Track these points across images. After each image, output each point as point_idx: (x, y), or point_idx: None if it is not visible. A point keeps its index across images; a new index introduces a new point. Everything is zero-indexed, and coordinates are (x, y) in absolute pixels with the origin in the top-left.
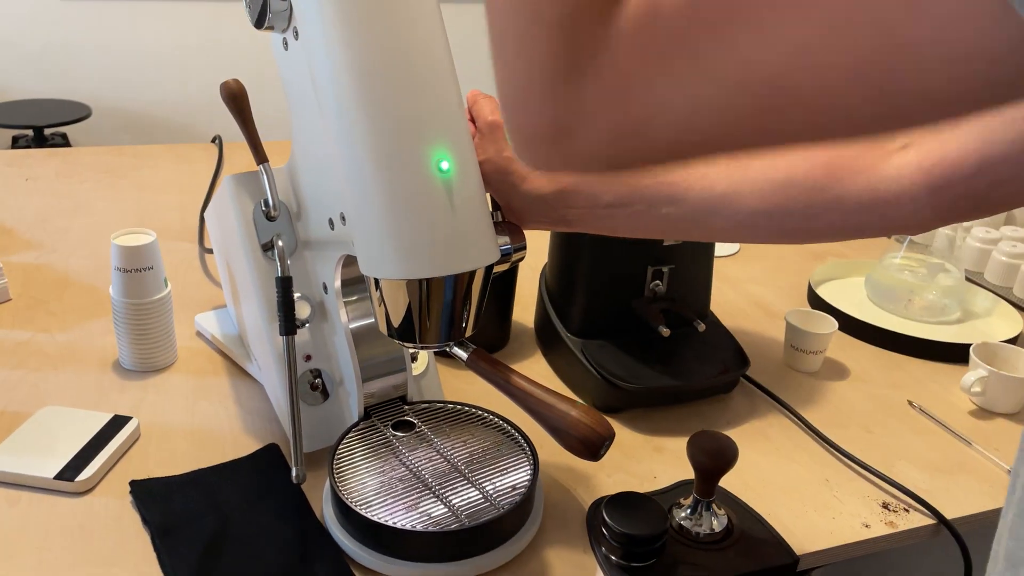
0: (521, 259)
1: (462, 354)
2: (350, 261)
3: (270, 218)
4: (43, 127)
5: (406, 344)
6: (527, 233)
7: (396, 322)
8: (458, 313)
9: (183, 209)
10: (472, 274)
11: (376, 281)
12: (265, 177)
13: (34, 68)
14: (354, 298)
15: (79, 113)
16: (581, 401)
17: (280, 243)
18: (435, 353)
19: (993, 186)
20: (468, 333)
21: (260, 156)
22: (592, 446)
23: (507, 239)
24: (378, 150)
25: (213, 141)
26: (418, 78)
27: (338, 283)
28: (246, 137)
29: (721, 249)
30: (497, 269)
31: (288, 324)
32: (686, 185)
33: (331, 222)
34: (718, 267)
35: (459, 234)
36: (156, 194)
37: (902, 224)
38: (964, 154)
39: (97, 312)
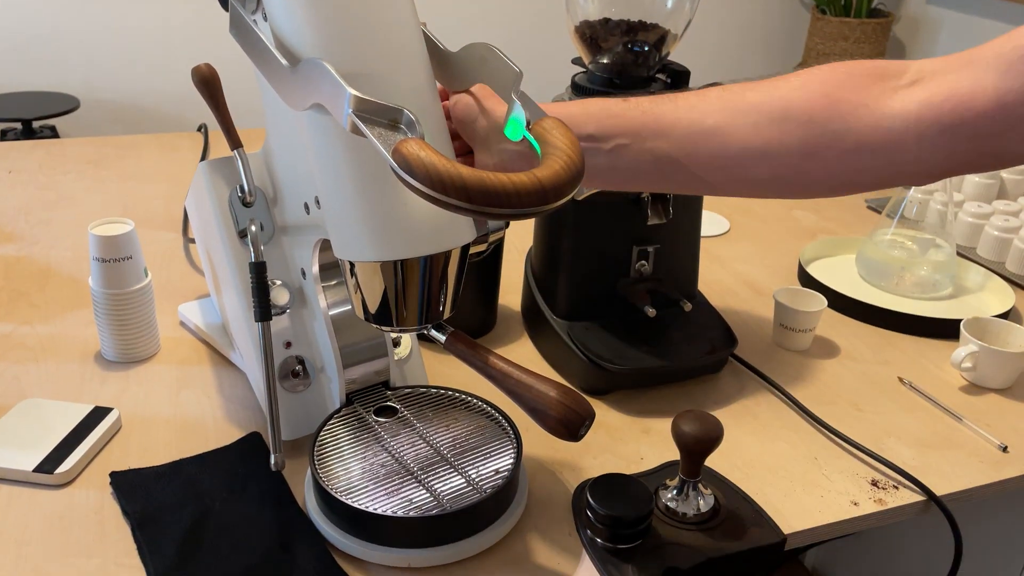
0: (500, 240)
1: (440, 337)
2: (327, 246)
3: (246, 204)
4: (31, 120)
5: (383, 328)
6: None
7: (372, 306)
8: (435, 295)
9: (168, 199)
10: (448, 255)
11: (351, 266)
12: (240, 162)
13: (20, 60)
14: (333, 283)
15: (67, 105)
16: (562, 382)
17: (253, 228)
18: (417, 337)
19: (1012, 126)
20: (446, 315)
21: (234, 141)
22: (571, 426)
23: (484, 224)
24: (348, 137)
25: (199, 130)
26: (387, 58)
27: (316, 268)
28: (219, 122)
29: (709, 228)
30: (474, 250)
31: (263, 310)
32: (674, 117)
33: (306, 207)
34: (707, 246)
35: (432, 214)
36: (140, 184)
37: (908, 170)
38: (979, 88)
39: (79, 304)
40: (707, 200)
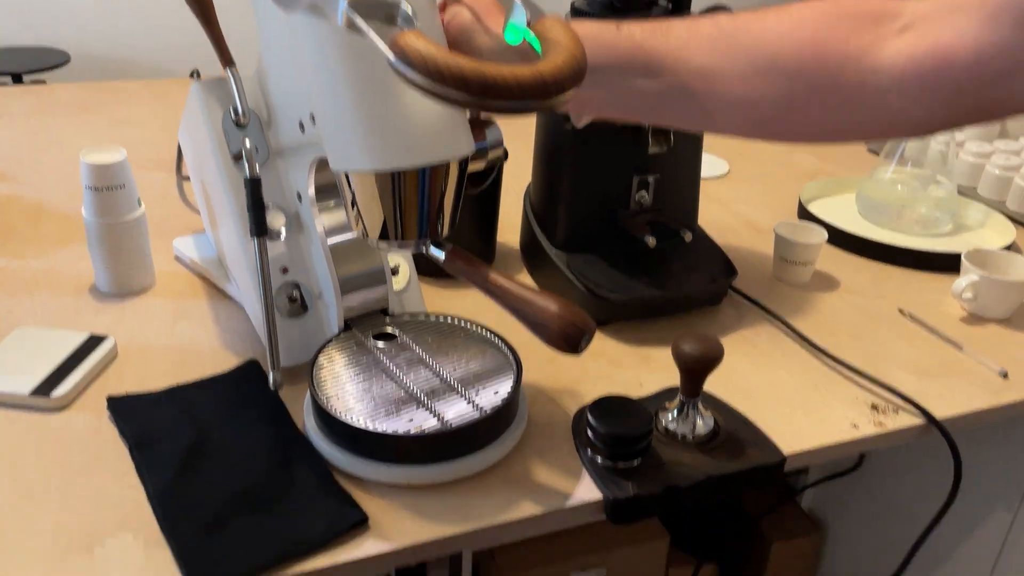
0: (499, 158)
1: (439, 254)
2: (323, 166)
3: (240, 125)
4: (21, 74)
5: (381, 244)
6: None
7: (369, 221)
8: (433, 209)
9: (160, 143)
10: (446, 168)
11: (348, 180)
12: (233, 81)
13: (10, 15)
14: (331, 203)
15: (57, 59)
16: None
17: (248, 143)
18: (416, 265)
19: (993, 81)
20: (445, 233)
21: (226, 59)
22: (572, 339)
23: (483, 138)
24: (343, 39)
25: (191, 76)
26: None
27: (312, 190)
28: (211, 39)
29: (709, 170)
30: (474, 167)
31: (259, 225)
32: (663, 53)
33: (301, 125)
34: (706, 188)
35: (431, 124)
36: (133, 128)
37: (895, 125)
38: (959, 41)
39: (72, 239)
40: (706, 143)
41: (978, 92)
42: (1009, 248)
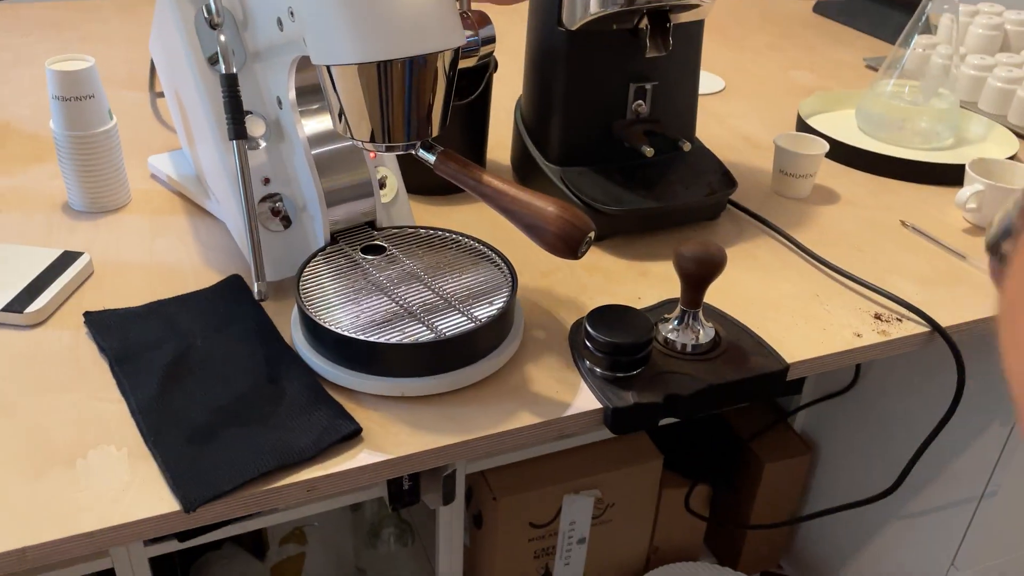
0: (490, 54)
1: (429, 157)
2: (305, 65)
3: (213, 25)
4: None
5: (367, 146)
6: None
7: (354, 121)
8: (422, 107)
9: (132, 61)
10: (436, 63)
11: (331, 77)
12: None
13: None
14: (314, 107)
15: None
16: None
17: (223, 38)
18: (403, 174)
19: None
20: (435, 132)
21: None
22: (571, 241)
23: (474, 32)
24: None
25: None
26: None
27: (292, 94)
28: None
29: (706, 86)
30: (465, 63)
31: (237, 127)
32: None
33: (279, 22)
34: (703, 104)
35: (420, 12)
36: (102, 46)
37: None
38: None
39: (42, 158)
40: (702, 59)
41: None
42: (1013, 159)
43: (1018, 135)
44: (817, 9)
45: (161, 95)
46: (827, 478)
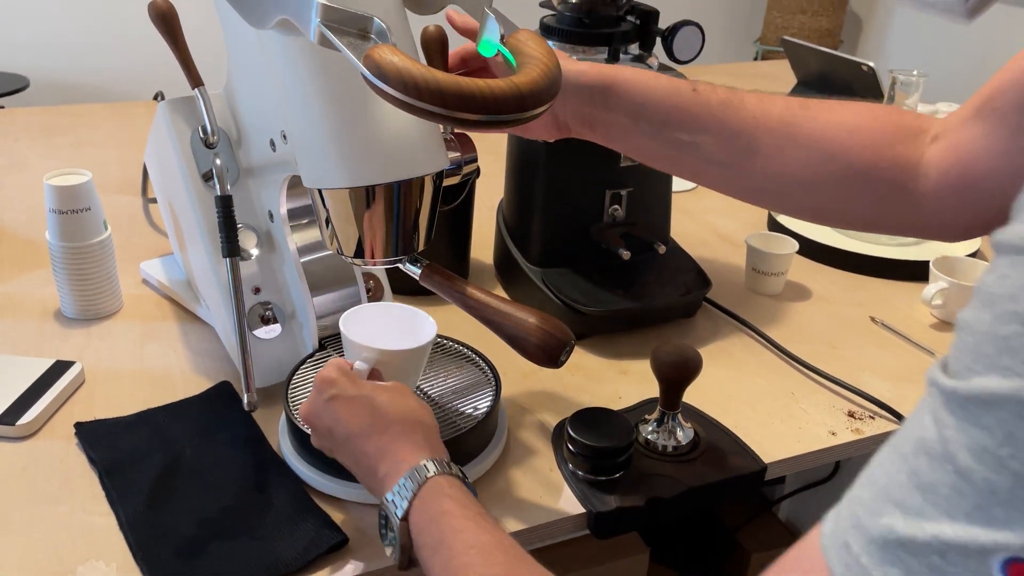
0: (473, 172)
1: (415, 270)
2: (295, 183)
3: (209, 145)
4: None
5: (356, 261)
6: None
7: (344, 238)
8: (408, 225)
9: (124, 164)
10: (421, 184)
11: (322, 198)
12: (201, 101)
13: None
14: (304, 221)
15: (16, 84)
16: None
17: (218, 161)
18: (389, 280)
19: (1014, 183)
20: (420, 247)
21: (195, 79)
22: (552, 351)
23: (458, 153)
24: (315, 55)
25: (155, 98)
26: None
27: (284, 209)
28: (179, 60)
29: (679, 184)
30: (448, 181)
31: (231, 245)
32: (738, 121)
33: (272, 143)
34: (676, 201)
35: (405, 140)
36: (95, 150)
37: (928, 227)
38: (976, 147)
39: (36, 264)
40: None
41: (1001, 196)
42: (974, 256)
43: None
44: None
45: (153, 200)
46: None
